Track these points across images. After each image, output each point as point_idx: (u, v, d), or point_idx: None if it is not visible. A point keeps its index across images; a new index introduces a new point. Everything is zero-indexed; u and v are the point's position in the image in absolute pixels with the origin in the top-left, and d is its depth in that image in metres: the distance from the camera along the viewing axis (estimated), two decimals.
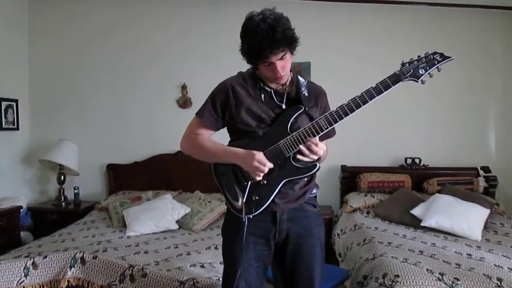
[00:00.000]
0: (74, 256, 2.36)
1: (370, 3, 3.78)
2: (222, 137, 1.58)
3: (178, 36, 3.90)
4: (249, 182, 1.45)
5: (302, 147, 1.38)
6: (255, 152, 1.39)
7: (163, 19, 3.91)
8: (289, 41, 1.36)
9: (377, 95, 1.37)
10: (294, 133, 1.41)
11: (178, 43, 3.90)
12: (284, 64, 1.40)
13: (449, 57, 1.39)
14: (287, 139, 1.42)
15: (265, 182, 1.44)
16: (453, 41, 3.71)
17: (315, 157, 1.39)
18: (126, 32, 3.92)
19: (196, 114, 1.56)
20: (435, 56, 1.39)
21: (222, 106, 1.50)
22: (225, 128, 1.59)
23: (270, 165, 1.39)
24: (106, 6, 3.93)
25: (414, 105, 3.83)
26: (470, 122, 3.87)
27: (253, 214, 1.45)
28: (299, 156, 1.40)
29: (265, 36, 1.31)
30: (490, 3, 3.69)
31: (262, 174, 1.39)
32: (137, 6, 3.91)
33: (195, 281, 2.08)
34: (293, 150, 1.42)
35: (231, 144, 1.53)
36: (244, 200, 1.44)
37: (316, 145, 1.38)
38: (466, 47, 3.77)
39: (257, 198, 1.44)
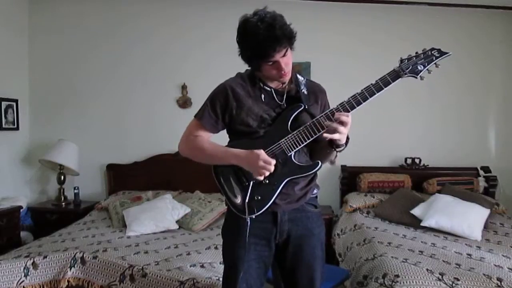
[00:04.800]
0: (74, 256, 2.36)
1: (370, 3, 3.78)
2: (221, 138, 1.57)
3: (178, 36, 3.90)
4: (251, 182, 1.44)
5: (329, 123, 1.36)
6: (257, 151, 1.37)
7: (163, 19, 3.91)
8: (289, 37, 1.36)
9: (377, 92, 1.37)
10: (295, 132, 1.41)
11: (178, 43, 3.90)
12: (287, 61, 1.40)
13: (447, 53, 1.39)
14: (287, 138, 1.41)
15: (267, 181, 1.43)
16: (453, 41, 3.70)
17: (345, 130, 1.36)
18: (126, 32, 3.92)
19: (195, 116, 1.54)
20: (433, 52, 1.40)
21: (222, 109, 1.49)
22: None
23: (274, 161, 1.38)
24: (106, 6, 3.93)
25: (414, 105, 3.83)
26: (470, 122, 3.87)
27: (255, 214, 1.44)
28: (329, 135, 1.36)
29: (266, 36, 1.31)
30: (490, 3, 3.69)
31: (267, 173, 1.38)
32: (137, 6, 3.91)
33: (195, 281, 2.08)
34: (295, 148, 1.42)
35: (230, 144, 1.52)
36: (246, 200, 1.44)
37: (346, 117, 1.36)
38: (466, 47, 3.77)
39: (259, 198, 1.44)
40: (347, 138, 1.44)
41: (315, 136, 1.40)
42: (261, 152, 1.38)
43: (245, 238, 1.44)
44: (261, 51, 1.35)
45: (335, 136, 1.36)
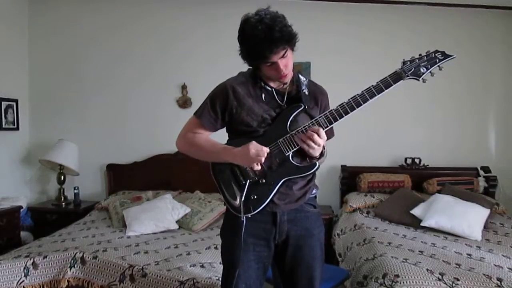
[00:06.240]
0: (74, 256, 2.36)
1: (370, 3, 3.78)
2: (221, 136, 1.58)
3: (178, 36, 3.90)
4: (248, 181, 1.44)
5: (302, 136, 1.37)
6: (248, 143, 1.38)
7: (163, 20, 3.91)
8: (288, 39, 1.35)
9: (378, 94, 1.36)
10: (293, 132, 1.41)
11: (178, 43, 3.90)
12: (286, 62, 1.40)
13: (451, 55, 1.38)
14: (286, 138, 1.41)
15: (264, 181, 1.43)
16: (453, 41, 3.70)
17: (315, 147, 1.37)
18: (126, 32, 3.92)
19: (195, 114, 1.54)
20: (436, 54, 1.38)
21: (221, 108, 1.49)
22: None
23: (266, 149, 1.37)
24: (106, 6, 3.93)
25: (414, 105, 3.83)
26: (470, 122, 3.87)
27: (251, 213, 1.44)
28: (304, 147, 1.38)
29: (264, 37, 1.31)
30: (490, 3, 3.68)
31: (262, 159, 1.37)
32: (137, 6, 3.91)
33: (195, 281, 2.08)
34: (292, 148, 1.41)
35: (229, 143, 1.52)
36: (243, 199, 1.44)
37: (317, 134, 1.36)
38: (465, 47, 3.76)
39: (255, 197, 1.44)
40: (322, 154, 1.45)
41: (295, 148, 1.40)
42: (252, 142, 1.38)
43: (241, 238, 1.43)
44: (258, 52, 1.34)
45: (304, 146, 1.37)
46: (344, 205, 3.56)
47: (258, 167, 1.39)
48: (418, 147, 3.85)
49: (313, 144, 1.36)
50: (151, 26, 3.92)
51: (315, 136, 1.35)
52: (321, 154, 1.45)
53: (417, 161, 3.79)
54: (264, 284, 1.59)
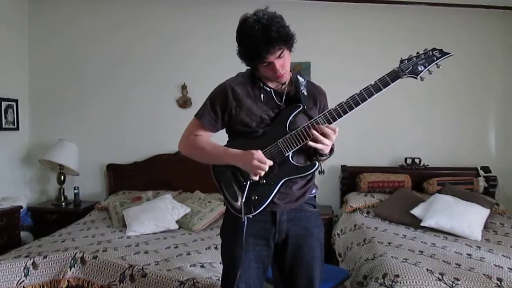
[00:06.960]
0: (74, 256, 2.36)
1: (370, 3, 3.78)
2: (220, 137, 1.58)
3: (178, 36, 3.91)
4: (248, 182, 1.44)
5: (314, 132, 1.37)
6: (253, 151, 1.38)
7: (163, 20, 3.91)
8: (285, 39, 1.35)
9: (376, 93, 1.36)
10: (293, 132, 1.41)
11: (178, 43, 3.90)
12: (283, 62, 1.40)
13: (449, 53, 1.38)
14: (285, 138, 1.41)
15: (264, 181, 1.43)
16: (453, 41, 3.69)
17: (328, 142, 1.38)
18: (126, 32, 3.92)
19: (195, 115, 1.55)
20: (434, 52, 1.38)
21: (221, 108, 1.50)
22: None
23: (270, 162, 1.38)
24: (106, 6, 3.93)
25: (414, 105, 3.83)
26: (470, 122, 3.86)
27: (252, 214, 1.44)
28: (312, 144, 1.38)
29: (261, 37, 1.31)
30: (490, 3, 3.68)
31: (262, 173, 1.38)
32: (137, 6, 3.91)
33: (195, 281, 2.09)
34: (292, 149, 1.41)
35: (229, 144, 1.52)
36: (244, 200, 1.44)
37: (330, 128, 1.37)
38: (465, 47, 3.76)
39: (256, 197, 1.44)
40: (331, 150, 1.46)
41: (310, 138, 1.40)
42: (257, 152, 1.38)
43: (243, 238, 1.44)
44: (255, 51, 1.35)
45: (318, 146, 1.38)
46: (344, 205, 3.56)
47: (256, 178, 1.39)
48: (418, 147, 3.85)
49: (326, 141, 1.37)
50: (151, 26, 3.92)
51: (326, 130, 1.36)
52: (331, 151, 1.46)
53: (417, 161, 3.79)
54: (264, 284, 1.59)
